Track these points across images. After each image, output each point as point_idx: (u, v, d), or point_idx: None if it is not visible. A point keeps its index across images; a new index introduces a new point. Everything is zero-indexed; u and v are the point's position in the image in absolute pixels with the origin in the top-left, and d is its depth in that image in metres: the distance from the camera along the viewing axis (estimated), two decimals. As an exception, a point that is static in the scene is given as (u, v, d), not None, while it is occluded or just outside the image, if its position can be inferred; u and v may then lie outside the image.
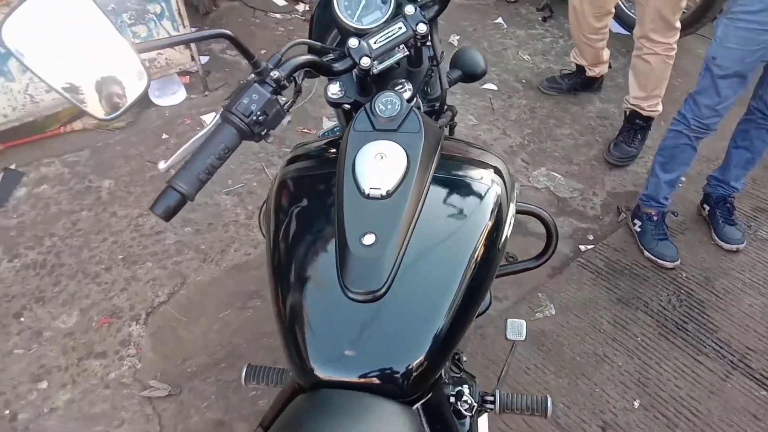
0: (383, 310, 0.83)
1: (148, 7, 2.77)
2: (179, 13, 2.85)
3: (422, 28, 1.02)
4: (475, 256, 0.90)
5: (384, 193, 0.88)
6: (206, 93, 3.08)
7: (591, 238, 2.40)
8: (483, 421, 1.32)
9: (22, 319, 2.04)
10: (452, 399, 1.06)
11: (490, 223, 0.93)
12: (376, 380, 0.81)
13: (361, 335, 0.84)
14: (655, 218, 2.28)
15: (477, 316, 1.56)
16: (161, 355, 1.94)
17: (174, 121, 2.93)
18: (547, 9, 3.81)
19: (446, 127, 1.33)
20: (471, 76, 1.22)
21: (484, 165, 1.02)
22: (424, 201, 0.91)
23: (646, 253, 2.27)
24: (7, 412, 1.78)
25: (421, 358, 0.83)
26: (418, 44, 1.06)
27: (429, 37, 1.13)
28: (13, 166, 2.64)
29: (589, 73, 3.03)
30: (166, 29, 2.88)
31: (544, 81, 3.17)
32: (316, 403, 0.81)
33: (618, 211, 2.49)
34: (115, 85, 0.77)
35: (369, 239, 0.85)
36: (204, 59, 3.28)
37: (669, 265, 2.22)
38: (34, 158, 2.70)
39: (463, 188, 0.97)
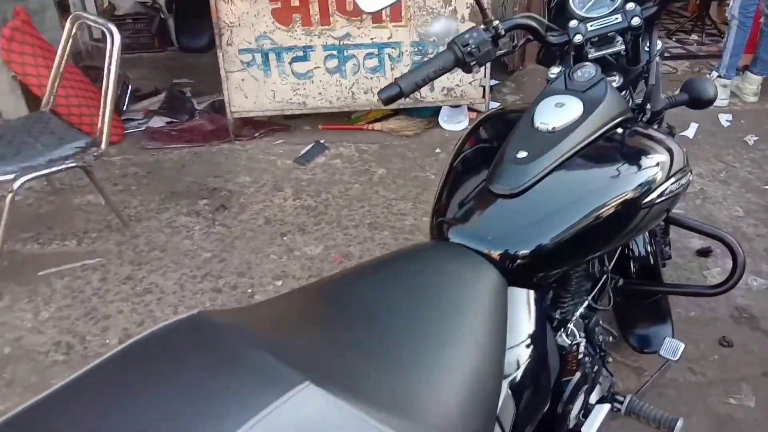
0: (511, 206, 1.01)
1: (462, 45, 3.30)
2: (485, 56, 3.32)
3: (636, 21, 1.18)
4: (609, 206, 1.01)
5: (550, 129, 1.06)
6: (485, 128, 3.48)
7: (838, 361, 2.07)
8: (602, 411, 1.31)
9: (285, 238, 2.61)
10: (557, 324, 1.15)
11: (637, 190, 1.03)
12: (486, 250, 0.99)
13: (488, 217, 1.03)
14: None
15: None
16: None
17: (449, 142, 3.37)
18: None
19: None
20: (697, 101, 1.30)
21: (661, 147, 1.11)
22: (583, 147, 1.06)
23: None
24: (249, 291, 2.31)
25: (525, 252, 0.98)
26: (631, 37, 1.21)
27: (646, 38, 1.27)
28: (322, 141, 3.36)
29: None
30: (470, 67, 3.36)
31: None
32: (433, 246, 1.03)
33: None
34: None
35: (522, 154, 1.04)
36: (494, 104, 3.70)
37: None
38: (338, 140, 3.39)
39: (626, 152, 1.10)
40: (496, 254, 0.98)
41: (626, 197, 1.02)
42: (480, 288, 0.92)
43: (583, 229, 0.99)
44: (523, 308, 1.03)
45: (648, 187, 1.04)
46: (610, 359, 1.42)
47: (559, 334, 1.14)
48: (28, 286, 2.31)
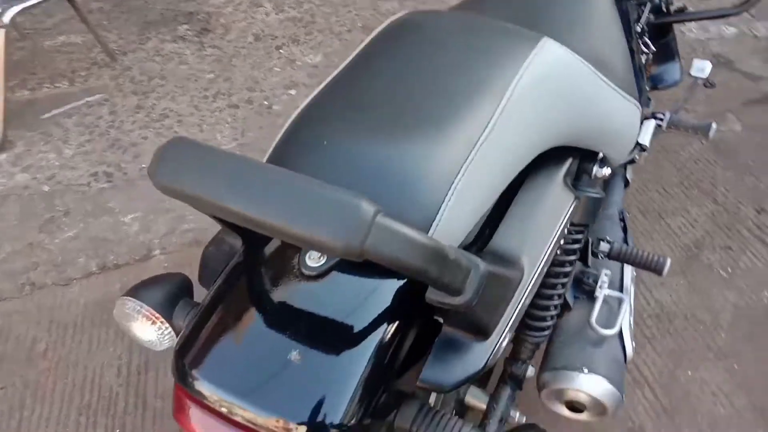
0: None
1: None
2: None
3: None
4: None
5: None
6: None
7: (800, 86, 2.36)
8: (651, 125, 1.50)
9: (281, 51, 2.60)
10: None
11: None
12: None
13: None
14: None
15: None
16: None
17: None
18: None
19: None
20: None
21: None
22: None
23: None
24: (266, 102, 2.35)
25: None
26: None
27: None
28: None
29: None
30: None
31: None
32: None
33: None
34: None
35: None
36: None
37: None
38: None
39: None
40: None
41: None
42: None
43: None
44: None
45: None
46: (648, 87, 1.60)
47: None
48: (38, 129, 2.27)
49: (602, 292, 1.02)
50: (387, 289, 0.56)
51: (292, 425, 0.52)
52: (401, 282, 0.56)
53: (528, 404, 1.17)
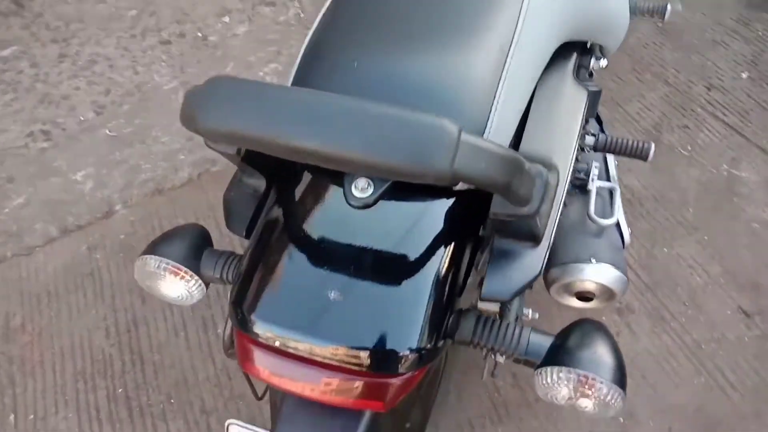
0: None
1: None
2: None
3: None
4: None
5: None
6: None
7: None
8: None
9: (206, -23, 2.42)
10: None
11: None
12: None
13: None
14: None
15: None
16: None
17: None
18: None
19: None
20: None
21: None
22: None
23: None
24: (200, 34, 2.21)
25: None
26: None
27: None
28: None
29: None
30: None
31: None
32: None
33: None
34: None
35: None
36: None
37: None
38: None
39: None
40: None
41: None
42: None
43: None
44: None
45: None
46: None
47: None
48: (-47, 93, 2.07)
49: (594, 184, 1.04)
50: (436, 212, 0.55)
51: (366, 354, 0.51)
52: (449, 202, 0.55)
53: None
